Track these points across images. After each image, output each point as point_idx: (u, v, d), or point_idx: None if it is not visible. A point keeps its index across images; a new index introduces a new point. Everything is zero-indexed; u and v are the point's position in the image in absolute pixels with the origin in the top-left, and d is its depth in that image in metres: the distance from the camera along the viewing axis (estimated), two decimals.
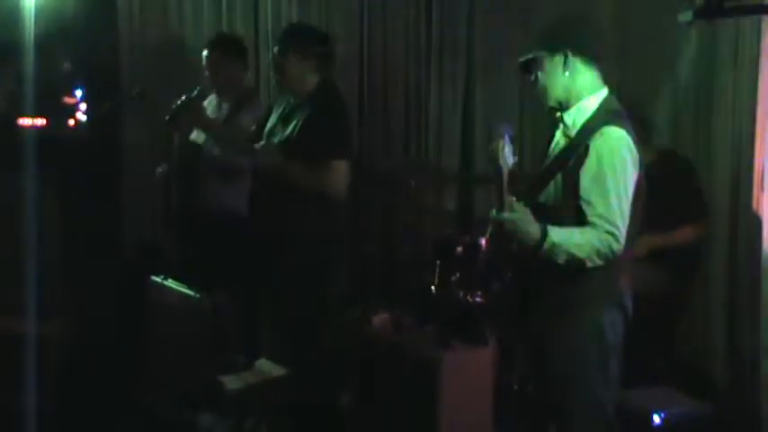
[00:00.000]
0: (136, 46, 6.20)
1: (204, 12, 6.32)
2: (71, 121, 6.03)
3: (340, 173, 4.70)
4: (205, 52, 5.58)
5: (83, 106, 6.04)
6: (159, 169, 5.66)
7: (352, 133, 5.03)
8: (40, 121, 5.81)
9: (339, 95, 4.99)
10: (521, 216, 3.37)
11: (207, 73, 5.55)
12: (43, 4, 5.66)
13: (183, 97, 5.06)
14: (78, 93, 6.05)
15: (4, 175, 5.53)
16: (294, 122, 4.83)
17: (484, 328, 4.73)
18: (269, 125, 4.99)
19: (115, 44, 6.16)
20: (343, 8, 6.53)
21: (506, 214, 3.36)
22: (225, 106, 5.58)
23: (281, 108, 4.98)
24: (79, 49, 6.03)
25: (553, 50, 3.56)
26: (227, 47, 5.61)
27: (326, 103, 4.82)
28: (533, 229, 3.36)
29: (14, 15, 5.59)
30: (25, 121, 5.75)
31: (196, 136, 5.55)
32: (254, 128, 5.14)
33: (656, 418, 4.47)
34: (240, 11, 6.39)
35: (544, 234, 3.34)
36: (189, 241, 5.58)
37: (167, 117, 5.04)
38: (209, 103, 5.65)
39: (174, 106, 5.03)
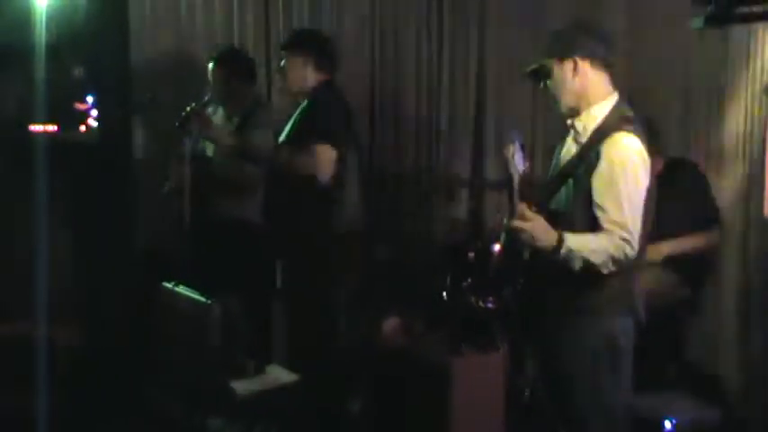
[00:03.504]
0: (147, 51, 6.20)
1: (215, 17, 6.32)
2: (82, 128, 6.03)
3: (323, 157, 4.73)
4: (210, 65, 5.55)
5: (94, 112, 6.04)
6: (165, 188, 5.64)
7: (348, 125, 5.03)
8: (52, 128, 5.81)
9: (339, 93, 5.06)
10: (536, 224, 3.36)
11: (212, 86, 5.51)
12: (54, 10, 5.67)
13: (193, 104, 5.06)
14: (90, 99, 6.05)
15: (15, 180, 5.55)
16: (294, 120, 4.97)
17: (495, 333, 4.73)
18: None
19: (127, 49, 6.16)
20: (354, 13, 6.53)
21: (522, 223, 3.35)
22: (235, 119, 5.55)
23: (292, 112, 5.06)
24: (90, 54, 6.03)
25: (563, 56, 3.57)
26: (233, 63, 5.55)
27: (322, 97, 4.92)
28: (549, 235, 3.35)
29: (25, 21, 5.60)
30: (36, 128, 5.76)
31: (204, 146, 5.56)
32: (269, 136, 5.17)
33: (668, 424, 4.47)
34: (251, 15, 6.39)
35: (561, 240, 3.34)
36: (200, 248, 5.58)
37: (177, 124, 5.03)
38: (216, 112, 5.64)
39: (182, 114, 5.03)
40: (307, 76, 4.97)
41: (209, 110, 5.57)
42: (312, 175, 4.74)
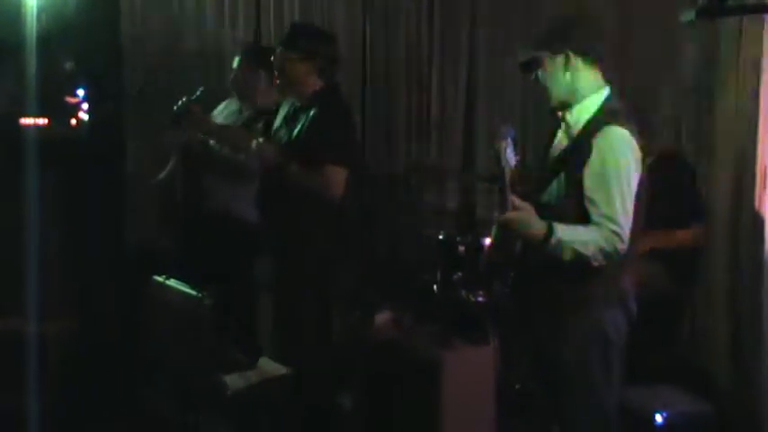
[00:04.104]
0: (138, 45, 6.20)
1: (206, 12, 6.32)
2: (73, 121, 6.03)
3: (335, 178, 4.63)
4: (237, 59, 5.55)
5: (85, 106, 6.04)
6: (155, 179, 5.62)
7: (355, 139, 4.99)
8: (42, 121, 5.81)
9: (343, 100, 4.96)
10: (525, 214, 3.38)
11: (235, 79, 5.53)
12: (45, 4, 5.66)
13: (184, 99, 5.04)
14: (80, 92, 6.04)
15: (6, 174, 5.54)
16: (298, 125, 4.79)
17: (486, 327, 4.74)
18: (275, 126, 4.97)
19: (117, 43, 6.15)
20: (345, 8, 6.53)
21: (511, 213, 3.37)
22: (246, 113, 5.53)
23: (287, 109, 4.96)
24: (81, 48, 6.03)
25: (554, 51, 3.57)
26: (263, 60, 5.51)
27: (330, 107, 4.75)
28: (538, 226, 3.37)
29: (16, 14, 5.59)
30: (27, 121, 5.75)
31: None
32: (260, 126, 5.13)
33: (659, 418, 4.47)
34: (242, 10, 6.38)
35: (550, 230, 3.35)
36: (192, 240, 5.58)
37: (171, 118, 5.01)
38: (227, 106, 5.64)
39: (175, 108, 5.01)
40: (308, 78, 4.78)
41: (224, 103, 5.58)
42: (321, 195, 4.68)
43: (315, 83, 4.80)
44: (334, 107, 4.79)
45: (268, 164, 4.80)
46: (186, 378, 4.39)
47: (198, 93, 5.13)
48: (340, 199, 4.67)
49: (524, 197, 3.44)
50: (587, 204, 3.42)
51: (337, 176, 4.64)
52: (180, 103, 5.00)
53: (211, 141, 5.31)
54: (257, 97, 5.53)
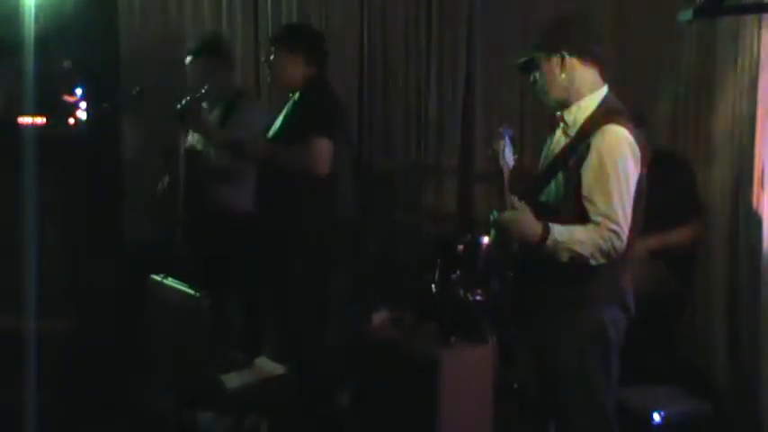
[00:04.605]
0: (136, 44, 6.19)
1: (204, 11, 6.32)
2: (71, 120, 6.03)
3: (320, 149, 4.70)
4: (189, 59, 5.55)
5: (83, 105, 6.04)
6: (160, 185, 5.61)
7: (340, 116, 5.04)
8: (40, 120, 5.81)
9: (329, 88, 5.05)
10: (522, 214, 3.38)
11: (193, 80, 5.52)
12: (43, 3, 5.66)
13: (188, 97, 5.06)
14: (78, 91, 6.05)
15: (4, 173, 5.53)
16: (285, 115, 4.96)
17: (484, 326, 4.73)
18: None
19: (115, 42, 6.15)
20: (343, 7, 6.52)
21: (508, 214, 3.37)
22: (216, 111, 5.55)
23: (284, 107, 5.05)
24: (79, 47, 6.03)
25: (550, 51, 3.58)
26: (212, 51, 5.56)
27: (313, 91, 4.91)
28: (535, 226, 3.37)
29: (15, 14, 5.59)
30: (25, 120, 5.75)
31: (191, 138, 5.52)
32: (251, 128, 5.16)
33: (657, 417, 4.48)
34: (240, 10, 6.38)
35: (547, 231, 3.35)
36: (191, 240, 5.57)
37: (177, 115, 5.03)
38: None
39: (179, 106, 5.02)
40: (296, 71, 4.93)
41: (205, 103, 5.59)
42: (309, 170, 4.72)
43: (302, 74, 4.94)
44: (318, 91, 4.93)
45: (260, 156, 4.90)
46: (183, 377, 4.39)
47: (203, 90, 5.15)
48: (332, 188, 4.72)
49: (522, 197, 3.45)
50: (586, 204, 3.42)
51: (321, 148, 4.70)
52: (184, 101, 5.02)
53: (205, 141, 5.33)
54: (219, 92, 5.52)
